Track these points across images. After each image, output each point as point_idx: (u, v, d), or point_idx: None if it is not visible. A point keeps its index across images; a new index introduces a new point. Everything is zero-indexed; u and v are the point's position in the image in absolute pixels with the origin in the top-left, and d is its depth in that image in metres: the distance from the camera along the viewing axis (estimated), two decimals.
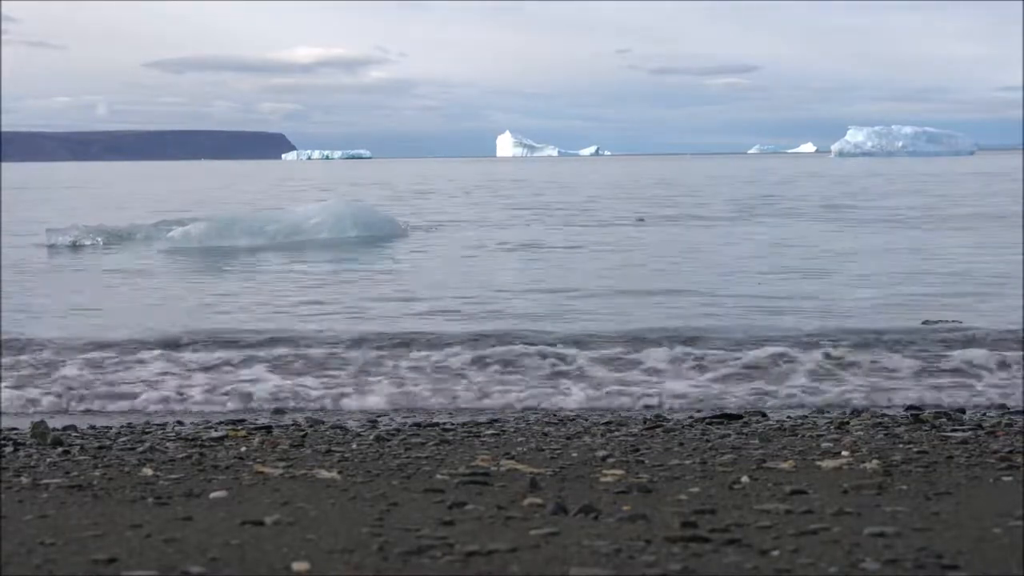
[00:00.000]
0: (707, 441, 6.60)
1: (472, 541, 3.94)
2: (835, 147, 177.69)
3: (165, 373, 9.77)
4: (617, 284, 15.50)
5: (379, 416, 8.17)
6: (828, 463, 5.63)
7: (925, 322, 11.33)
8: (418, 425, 7.60)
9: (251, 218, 24.93)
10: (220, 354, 10.37)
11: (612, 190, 50.46)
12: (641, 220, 28.34)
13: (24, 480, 5.43)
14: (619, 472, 5.46)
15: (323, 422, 7.87)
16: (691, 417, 7.85)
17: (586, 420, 7.77)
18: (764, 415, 7.90)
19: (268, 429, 7.42)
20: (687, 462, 5.77)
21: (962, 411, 8.03)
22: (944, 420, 7.42)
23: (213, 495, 4.97)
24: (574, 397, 8.94)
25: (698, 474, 5.43)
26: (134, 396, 9.09)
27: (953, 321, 11.36)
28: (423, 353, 10.20)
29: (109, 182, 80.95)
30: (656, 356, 9.98)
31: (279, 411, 8.48)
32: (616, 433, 6.99)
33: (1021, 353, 10.03)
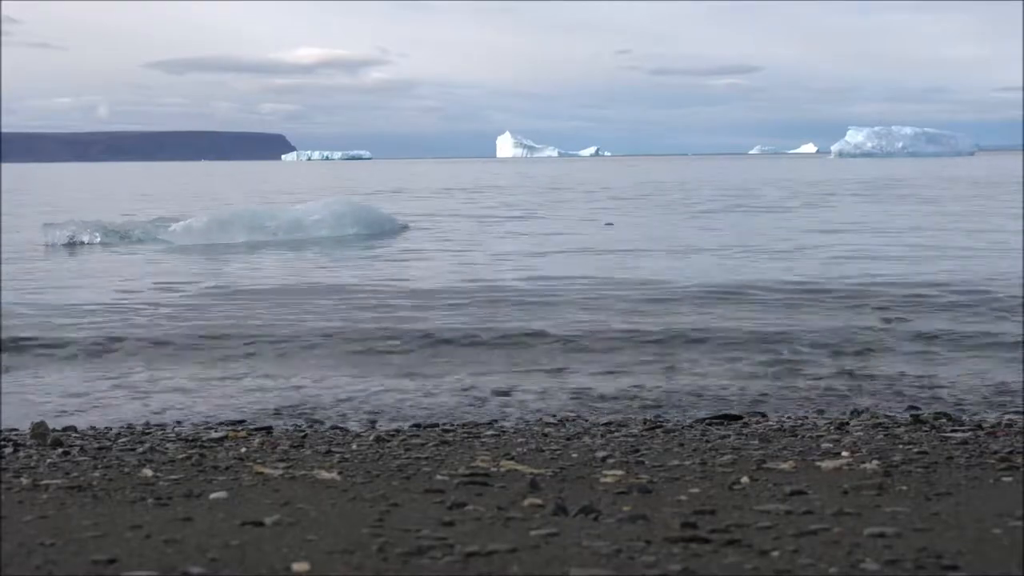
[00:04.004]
0: (707, 442, 6.60)
1: (472, 542, 3.94)
2: (835, 148, 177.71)
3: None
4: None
5: (378, 416, 8.17)
6: (828, 464, 5.63)
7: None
8: (418, 426, 7.61)
9: (251, 214, 24.99)
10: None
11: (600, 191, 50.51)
12: (610, 225, 28.10)
13: (24, 481, 5.43)
14: (619, 473, 5.46)
15: (323, 422, 7.87)
16: (691, 417, 7.85)
17: (586, 421, 7.77)
18: (764, 415, 7.90)
19: (268, 430, 7.42)
20: (687, 463, 5.77)
21: (961, 411, 8.03)
22: (944, 420, 7.42)
23: (213, 496, 4.97)
24: None
25: (698, 475, 5.43)
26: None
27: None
28: None
29: (110, 182, 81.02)
30: None
31: (279, 412, 8.47)
32: (616, 434, 6.99)
33: None
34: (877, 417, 7.64)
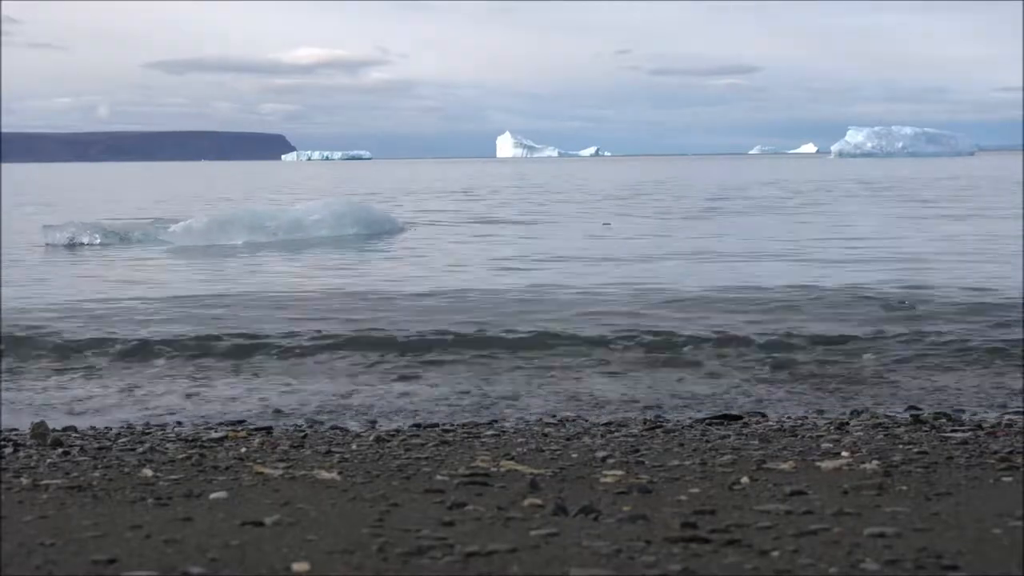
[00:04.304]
0: (707, 442, 6.60)
1: (472, 542, 3.94)
2: (835, 148, 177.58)
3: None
4: None
5: (378, 416, 8.18)
6: (828, 464, 5.64)
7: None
8: (418, 426, 7.61)
9: (251, 214, 25.05)
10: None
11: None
12: (607, 225, 28.03)
13: (24, 481, 5.43)
14: (619, 473, 5.46)
15: (323, 423, 7.87)
16: (691, 417, 7.86)
17: (586, 421, 7.77)
18: (764, 416, 7.90)
19: (268, 430, 7.42)
20: (687, 463, 5.77)
21: (961, 411, 8.03)
22: (944, 420, 7.42)
23: (213, 496, 4.98)
24: None
25: (698, 475, 5.43)
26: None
27: None
28: None
29: (110, 182, 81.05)
30: None
31: (279, 412, 8.48)
32: (616, 434, 6.99)
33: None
34: (877, 417, 7.63)
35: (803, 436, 6.80)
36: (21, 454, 6.39)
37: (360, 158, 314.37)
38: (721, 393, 8.87)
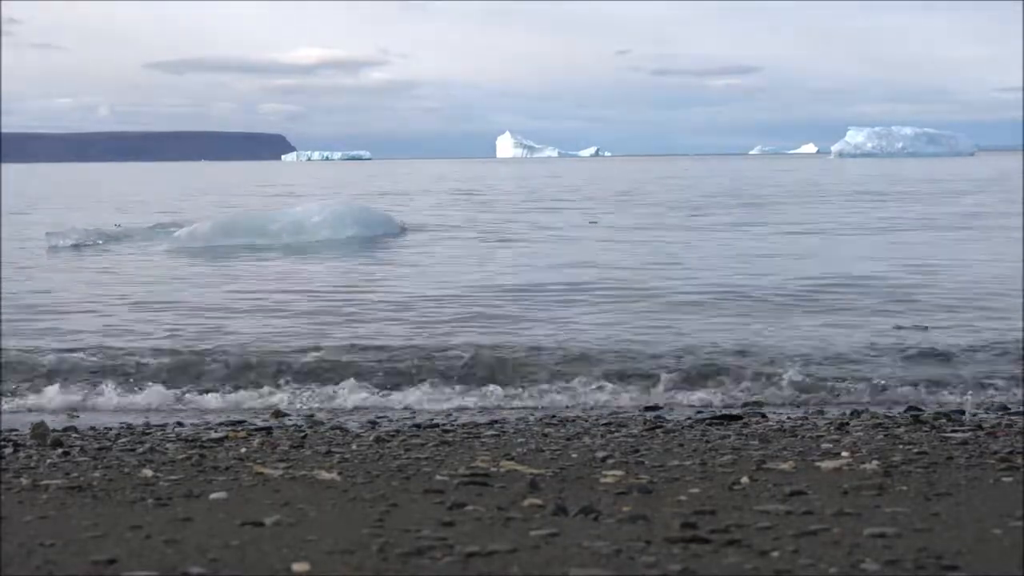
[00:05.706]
0: (707, 442, 6.60)
1: (472, 542, 3.94)
2: (835, 148, 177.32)
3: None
4: None
5: (379, 417, 8.18)
6: (828, 464, 5.64)
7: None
8: (418, 426, 7.61)
9: (254, 217, 25.11)
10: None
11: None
12: (594, 223, 28.05)
13: (24, 481, 5.43)
14: (619, 473, 5.46)
15: (323, 423, 7.87)
16: (691, 418, 7.86)
17: (586, 421, 7.77)
18: (764, 416, 7.90)
19: (268, 430, 7.42)
20: (687, 463, 5.77)
21: (961, 412, 8.03)
22: (944, 421, 7.42)
23: (213, 496, 4.98)
24: None
25: (698, 475, 5.43)
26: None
27: None
28: None
29: (111, 183, 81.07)
30: None
31: (279, 412, 8.48)
32: (616, 434, 6.99)
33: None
34: (877, 417, 7.64)
35: (803, 436, 6.80)
36: (21, 454, 6.40)
37: (360, 158, 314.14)
38: (721, 393, 8.84)
